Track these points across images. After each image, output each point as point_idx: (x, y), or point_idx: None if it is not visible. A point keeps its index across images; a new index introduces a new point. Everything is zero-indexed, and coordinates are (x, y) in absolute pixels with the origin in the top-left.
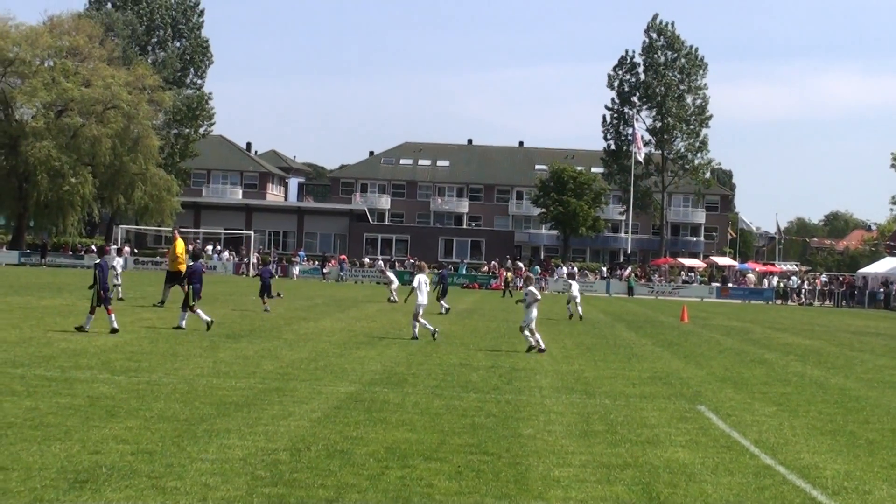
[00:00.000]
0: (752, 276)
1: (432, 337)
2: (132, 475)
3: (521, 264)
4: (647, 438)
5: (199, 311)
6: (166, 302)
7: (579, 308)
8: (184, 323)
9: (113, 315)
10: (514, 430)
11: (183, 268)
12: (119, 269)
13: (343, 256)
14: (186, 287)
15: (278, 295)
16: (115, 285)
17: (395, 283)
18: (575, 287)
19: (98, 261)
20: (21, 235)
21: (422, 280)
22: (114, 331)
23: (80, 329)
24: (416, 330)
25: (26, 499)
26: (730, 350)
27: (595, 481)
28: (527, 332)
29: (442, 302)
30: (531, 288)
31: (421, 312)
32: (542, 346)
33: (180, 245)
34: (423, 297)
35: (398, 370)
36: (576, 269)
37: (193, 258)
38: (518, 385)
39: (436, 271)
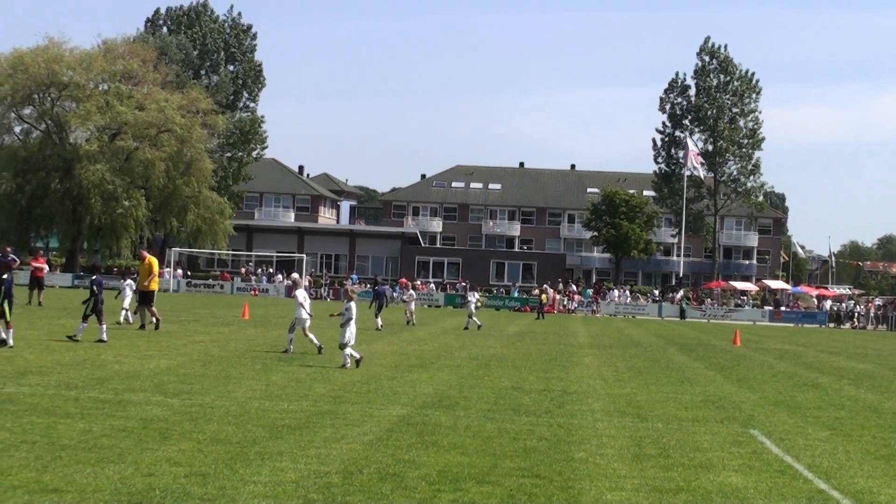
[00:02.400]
0: (813, 300)
1: (318, 351)
2: (185, 498)
3: (573, 286)
4: (700, 462)
5: (104, 325)
6: (146, 325)
7: (475, 319)
8: (79, 335)
9: (104, 326)
10: (566, 453)
11: (155, 287)
12: (129, 292)
13: (403, 280)
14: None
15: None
16: (122, 308)
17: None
18: (472, 299)
19: (94, 276)
20: (75, 258)
21: (301, 295)
22: (101, 341)
23: (71, 338)
24: (291, 344)
25: None
26: (783, 374)
27: None
28: (347, 351)
29: (378, 319)
30: (350, 304)
31: (307, 326)
32: (347, 363)
33: (155, 264)
34: (301, 313)
35: (450, 393)
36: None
37: (93, 271)
38: (570, 408)
39: (371, 288)
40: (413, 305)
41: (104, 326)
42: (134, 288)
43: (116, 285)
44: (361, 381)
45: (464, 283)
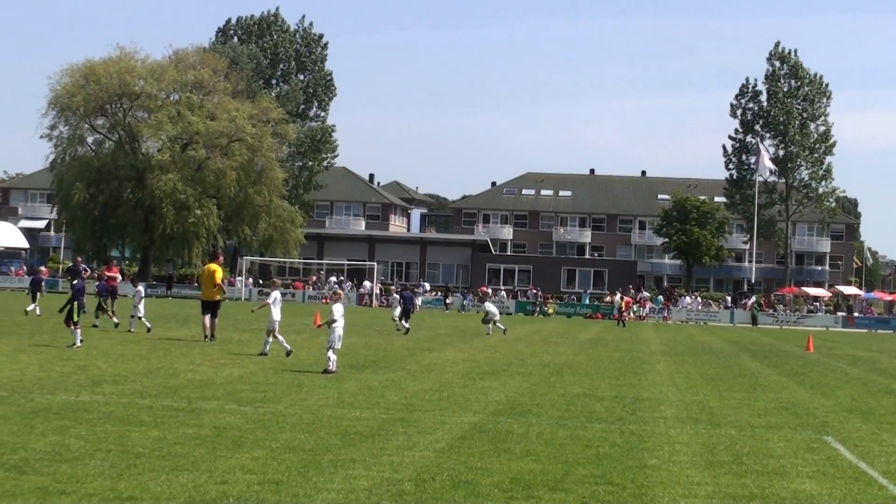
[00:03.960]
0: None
1: (286, 355)
2: None
3: (646, 293)
4: (774, 469)
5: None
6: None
7: (499, 325)
8: (78, 341)
9: (79, 331)
10: (638, 460)
11: (217, 296)
12: (142, 296)
13: (484, 288)
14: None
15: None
16: (132, 316)
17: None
18: (491, 307)
19: (75, 281)
20: (147, 267)
21: (276, 296)
22: (74, 345)
23: (72, 346)
24: (268, 347)
25: None
26: (856, 380)
27: None
28: (330, 354)
29: (403, 322)
30: (336, 306)
31: (276, 329)
32: (331, 367)
33: (219, 272)
34: (276, 313)
35: (522, 400)
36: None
37: (73, 275)
38: (642, 415)
39: (398, 293)
40: (496, 315)
41: (79, 331)
42: (143, 294)
43: (135, 291)
44: (433, 389)
45: (535, 291)
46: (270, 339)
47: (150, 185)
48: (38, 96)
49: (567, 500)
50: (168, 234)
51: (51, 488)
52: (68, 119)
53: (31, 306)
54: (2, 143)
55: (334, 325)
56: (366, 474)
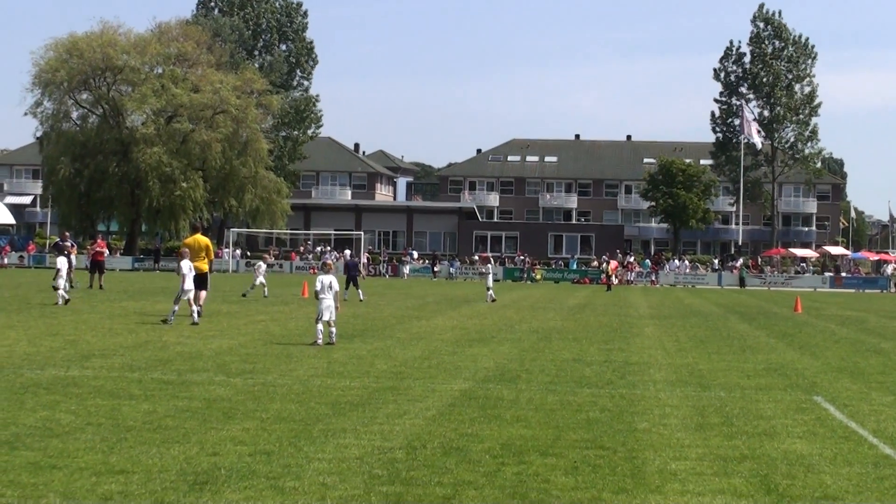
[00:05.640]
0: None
1: (164, 322)
2: (251, 476)
3: (632, 258)
4: (764, 430)
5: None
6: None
7: (491, 292)
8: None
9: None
10: (629, 424)
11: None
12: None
13: (485, 255)
14: None
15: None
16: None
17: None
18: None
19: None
20: (134, 241)
21: (186, 265)
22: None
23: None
24: (172, 316)
25: (147, 501)
26: (845, 340)
27: (712, 474)
28: (319, 326)
29: (358, 290)
30: (322, 277)
31: (189, 297)
32: (319, 339)
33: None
34: (187, 283)
35: (511, 367)
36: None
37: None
38: (632, 379)
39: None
40: (490, 280)
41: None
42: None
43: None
44: (422, 357)
45: (522, 257)
46: (177, 308)
47: (136, 158)
48: (22, 71)
49: (558, 464)
50: (154, 207)
51: (42, 463)
52: (52, 94)
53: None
54: None
55: (322, 297)
56: (357, 443)
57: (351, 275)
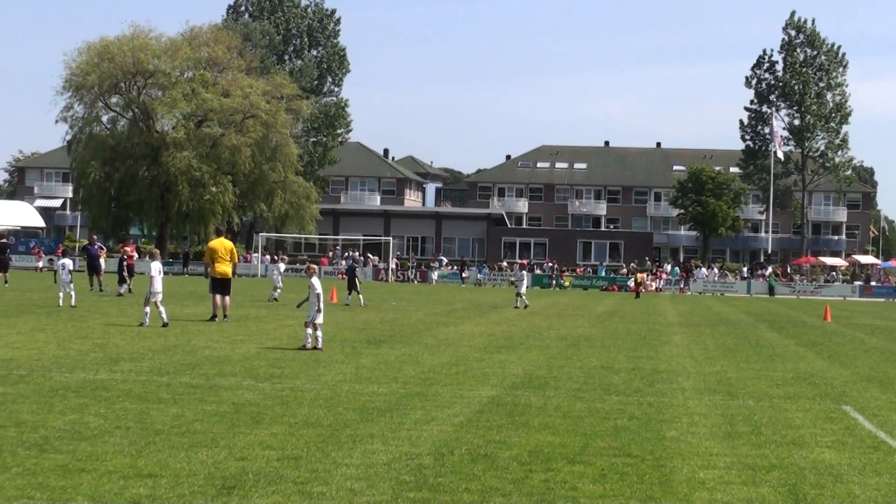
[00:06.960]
0: None
1: (162, 325)
2: (278, 481)
3: (661, 265)
4: (792, 439)
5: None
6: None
7: (525, 299)
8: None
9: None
10: (657, 432)
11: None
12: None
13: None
14: None
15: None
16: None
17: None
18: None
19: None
20: (163, 245)
21: (155, 267)
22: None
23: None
24: (147, 318)
25: None
26: (875, 349)
27: (740, 483)
28: (308, 330)
29: (359, 295)
30: (312, 281)
31: (157, 300)
32: (308, 343)
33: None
34: (156, 285)
35: (539, 374)
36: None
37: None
38: (660, 387)
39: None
40: (524, 287)
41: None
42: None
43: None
44: (450, 363)
45: (551, 264)
46: (148, 310)
47: (166, 162)
48: (53, 75)
49: (586, 472)
50: (184, 211)
51: (71, 466)
52: (83, 98)
53: (123, 287)
54: (17, 122)
55: (311, 300)
56: (384, 449)
57: (350, 279)
